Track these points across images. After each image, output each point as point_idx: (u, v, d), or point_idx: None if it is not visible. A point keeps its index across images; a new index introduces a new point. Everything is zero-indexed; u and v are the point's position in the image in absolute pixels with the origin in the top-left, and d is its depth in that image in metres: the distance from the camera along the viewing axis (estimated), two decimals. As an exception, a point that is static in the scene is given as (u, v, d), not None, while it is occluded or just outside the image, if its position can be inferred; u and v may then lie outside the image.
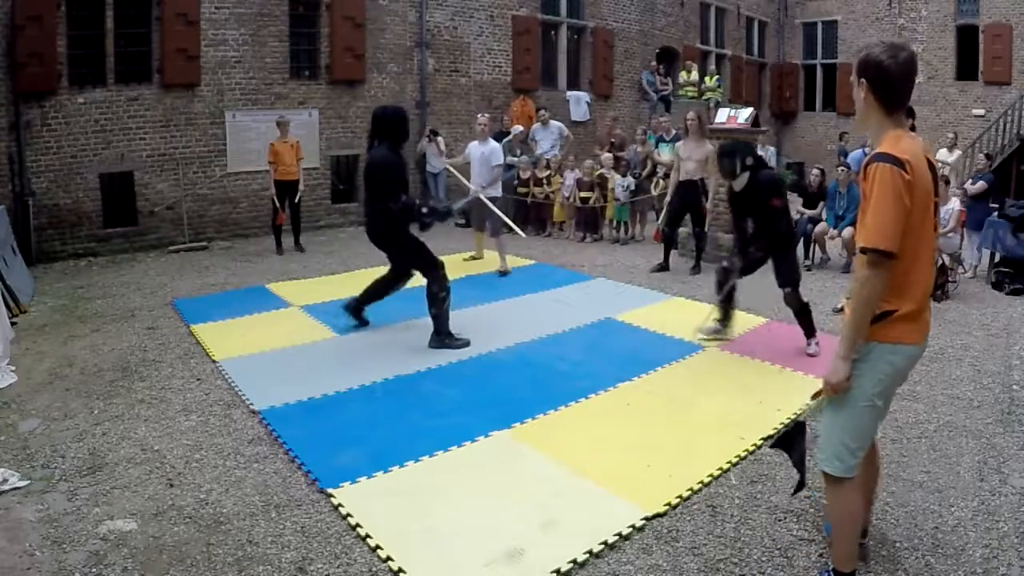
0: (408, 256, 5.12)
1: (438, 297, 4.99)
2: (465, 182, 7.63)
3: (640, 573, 2.63)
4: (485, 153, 7.50)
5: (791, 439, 2.75)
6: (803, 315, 5.07)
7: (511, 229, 7.53)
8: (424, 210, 4.96)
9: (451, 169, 7.95)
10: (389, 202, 4.80)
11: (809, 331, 5.06)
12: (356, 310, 5.50)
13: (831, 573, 2.47)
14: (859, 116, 2.30)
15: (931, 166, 2.24)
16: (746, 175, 4.93)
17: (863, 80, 2.21)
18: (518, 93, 12.21)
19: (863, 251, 2.13)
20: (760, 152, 6.20)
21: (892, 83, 2.19)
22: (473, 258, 8.08)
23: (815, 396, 3.31)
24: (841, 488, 2.35)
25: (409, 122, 5.18)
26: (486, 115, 8.13)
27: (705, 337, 5.25)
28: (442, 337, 5.04)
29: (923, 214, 2.15)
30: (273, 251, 8.57)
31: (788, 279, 4.99)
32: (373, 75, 10.62)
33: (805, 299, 5.09)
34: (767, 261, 5.07)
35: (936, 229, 2.30)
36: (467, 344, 5.05)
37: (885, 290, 2.15)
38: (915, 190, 2.10)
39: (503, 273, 7.47)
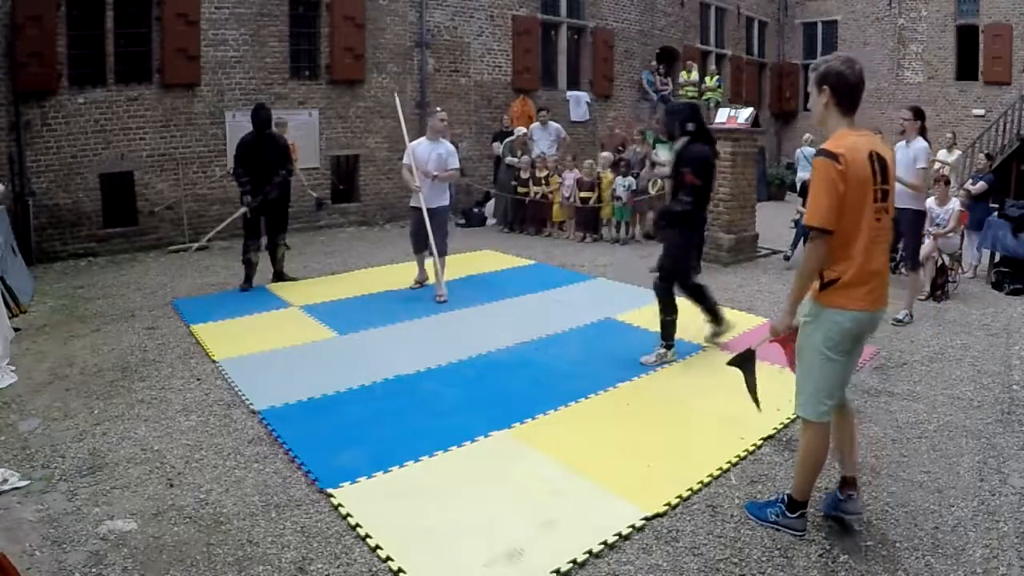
0: (281, 215, 6.92)
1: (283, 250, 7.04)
2: (413, 186, 6.35)
3: (640, 573, 2.63)
4: (442, 154, 6.43)
5: (744, 361, 3.13)
6: (666, 312, 4.79)
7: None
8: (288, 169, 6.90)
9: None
10: (282, 169, 6.70)
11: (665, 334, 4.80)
12: (279, 276, 7.08)
13: (785, 498, 2.86)
14: (818, 117, 2.71)
15: (879, 158, 2.57)
16: (683, 140, 4.78)
17: (825, 87, 2.62)
18: (518, 93, 12.22)
19: (807, 228, 2.62)
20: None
21: (850, 90, 2.61)
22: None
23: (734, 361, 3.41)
24: (813, 430, 2.77)
25: (269, 111, 6.89)
26: (443, 112, 7.45)
27: (711, 342, 5.17)
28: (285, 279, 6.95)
29: (860, 198, 2.53)
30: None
31: (661, 265, 4.78)
32: (373, 75, 10.63)
33: (675, 299, 4.81)
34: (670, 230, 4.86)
35: (888, 212, 2.62)
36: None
37: (829, 260, 2.57)
38: (848, 177, 2.49)
39: (440, 300, 6.28)
